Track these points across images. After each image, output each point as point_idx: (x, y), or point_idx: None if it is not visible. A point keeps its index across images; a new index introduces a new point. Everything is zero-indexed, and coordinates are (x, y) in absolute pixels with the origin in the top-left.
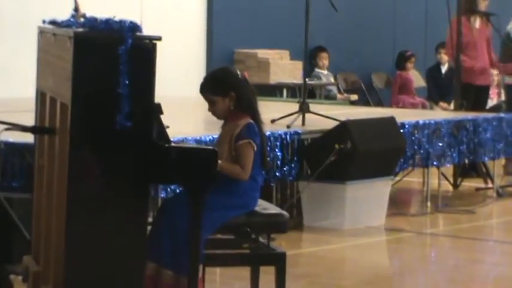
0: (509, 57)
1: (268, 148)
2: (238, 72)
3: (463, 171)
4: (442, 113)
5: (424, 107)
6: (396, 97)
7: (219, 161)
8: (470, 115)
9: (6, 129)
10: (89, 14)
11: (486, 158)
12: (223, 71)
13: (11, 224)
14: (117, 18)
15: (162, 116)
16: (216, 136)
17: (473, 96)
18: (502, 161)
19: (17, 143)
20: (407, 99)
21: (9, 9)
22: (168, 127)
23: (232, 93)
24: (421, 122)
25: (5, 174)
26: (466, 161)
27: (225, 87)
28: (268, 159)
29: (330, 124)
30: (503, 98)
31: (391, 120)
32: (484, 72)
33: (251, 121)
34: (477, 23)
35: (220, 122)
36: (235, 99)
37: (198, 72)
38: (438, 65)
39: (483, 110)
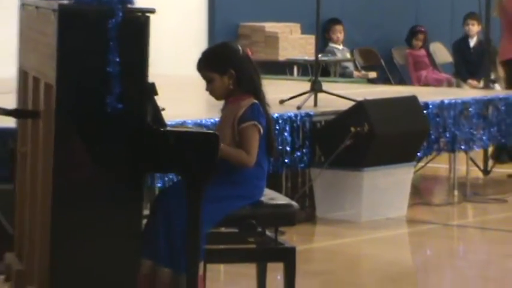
0: None
1: (277, 132)
2: (240, 48)
3: (495, 155)
4: (471, 92)
5: (450, 84)
6: (414, 74)
7: (222, 145)
8: (501, 93)
9: None
10: None
11: None
12: (221, 46)
13: None
14: None
15: (157, 97)
16: (217, 119)
17: None
18: None
19: None
20: (431, 75)
21: None
22: (163, 109)
23: (232, 71)
24: (446, 101)
25: None
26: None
27: (224, 63)
28: (276, 144)
29: (346, 105)
30: None
31: (413, 99)
32: None
33: (255, 101)
34: None
35: (220, 104)
36: (235, 77)
37: (198, 49)
38: (466, 38)
39: None
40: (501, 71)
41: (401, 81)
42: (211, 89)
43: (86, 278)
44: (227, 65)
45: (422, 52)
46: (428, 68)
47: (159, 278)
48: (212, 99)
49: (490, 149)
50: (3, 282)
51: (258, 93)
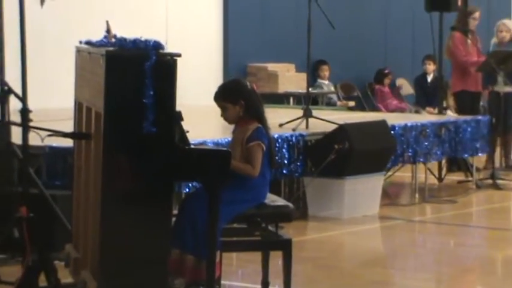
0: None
1: (277, 149)
2: (248, 83)
3: (448, 166)
4: (428, 116)
5: (403, 110)
6: (381, 104)
7: (232, 161)
8: (452, 118)
9: (50, 135)
10: (119, 35)
11: (466, 155)
12: (234, 82)
13: (55, 217)
14: (143, 38)
15: (182, 122)
16: (230, 139)
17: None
18: (483, 157)
19: (59, 147)
20: (395, 104)
21: (51, 31)
22: (188, 132)
23: (242, 101)
24: (409, 124)
25: (49, 174)
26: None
27: (236, 95)
28: (276, 158)
29: (330, 127)
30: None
31: (383, 123)
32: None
33: (259, 125)
34: (469, 41)
35: (232, 127)
36: (245, 106)
37: (215, 84)
38: (424, 75)
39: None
40: (451, 100)
41: (374, 108)
42: (225, 115)
43: (128, 263)
44: (239, 96)
45: (387, 89)
46: (392, 99)
47: (184, 263)
48: (225, 123)
49: (443, 162)
50: (63, 267)
51: (262, 119)
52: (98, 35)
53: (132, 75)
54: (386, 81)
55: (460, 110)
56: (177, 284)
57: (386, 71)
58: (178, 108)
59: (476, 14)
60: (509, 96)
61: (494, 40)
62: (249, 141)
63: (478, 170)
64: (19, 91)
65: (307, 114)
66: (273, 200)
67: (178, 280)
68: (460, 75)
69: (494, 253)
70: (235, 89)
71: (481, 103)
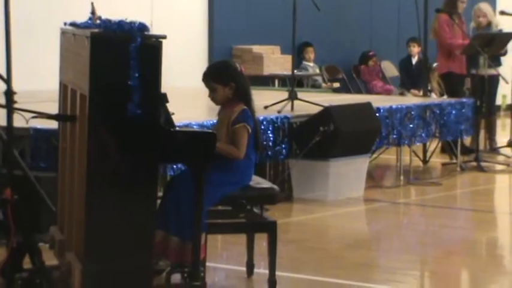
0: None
1: (262, 131)
2: (238, 66)
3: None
4: (413, 99)
5: (389, 92)
6: (369, 84)
7: (218, 143)
8: (436, 100)
9: (34, 117)
10: (104, 17)
11: (450, 138)
12: (225, 63)
13: (39, 199)
14: (128, 20)
15: (167, 104)
16: (216, 121)
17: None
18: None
19: (43, 129)
20: (381, 86)
21: (35, 13)
22: (173, 114)
23: (232, 83)
24: (394, 106)
25: (34, 156)
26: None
27: (227, 77)
28: (262, 141)
29: (315, 109)
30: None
31: (368, 105)
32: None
33: (245, 107)
34: (456, 23)
35: (217, 108)
36: (234, 88)
37: (200, 66)
38: (409, 57)
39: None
40: (435, 83)
41: (359, 91)
42: (213, 96)
43: (113, 244)
44: (229, 78)
45: (374, 69)
46: (377, 80)
47: (169, 244)
48: (212, 104)
49: (428, 144)
50: (48, 249)
51: (249, 102)
52: (82, 17)
53: (117, 57)
54: (371, 63)
55: (446, 92)
56: (161, 265)
57: (371, 54)
58: (163, 90)
59: None
60: (492, 78)
61: (472, 24)
62: (235, 123)
63: (466, 152)
64: (3, 73)
65: (293, 97)
66: (258, 182)
67: (163, 261)
68: (447, 56)
69: (478, 235)
70: (226, 70)
71: (465, 86)
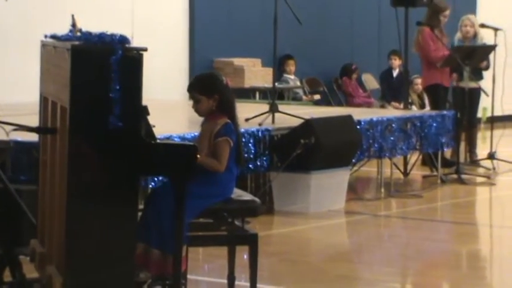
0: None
1: (243, 143)
2: (223, 79)
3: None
4: (393, 111)
5: (370, 105)
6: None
7: (199, 155)
8: (417, 113)
9: (15, 129)
10: (84, 29)
11: (431, 150)
12: (211, 75)
13: (20, 212)
14: (109, 32)
15: (148, 117)
16: (197, 133)
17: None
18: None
19: (24, 142)
20: (362, 99)
21: (16, 26)
22: (154, 126)
23: (216, 96)
24: (374, 119)
25: (14, 169)
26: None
27: (212, 89)
28: (244, 154)
29: (297, 122)
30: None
31: (349, 118)
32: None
33: (229, 121)
34: (437, 34)
35: (200, 120)
36: (218, 101)
37: (181, 79)
38: (390, 70)
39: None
40: (414, 96)
41: (340, 103)
42: (197, 107)
43: (94, 257)
44: (214, 90)
45: (354, 83)
46: (358, 93)
47: (150, 257)
48: (193, 117)
49: (409, 156)
50: (29, 262)
51: (233, 115)
52: (63, 30)
53: (98, 69)
54: (354, 76)
55: (431, 104)
56: (142, 277)
57: (353, 67)
58: (144, 102)
59: (447, 12)
60: (473, 91)
61: (458, 35)
62: (217, 136)
63: (446, 164)
64: None
65: (273, 109)
66: (240, 194)
67: (144, 274)
68: (433, 69)
69: (459, 247)
70: (211, 82)
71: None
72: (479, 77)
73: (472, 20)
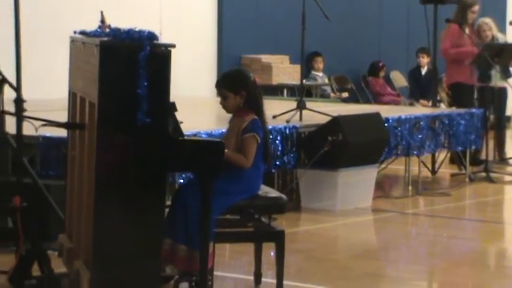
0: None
1: (270, 140)
2: (251, 75)
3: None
4: (422, 109)
5: (397, 103)
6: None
7: (226, 151)
8: (446, 110)
9: (44, 125)
10: (113, 25)
11: (460, 148)
12: (238, 72)
13: (48, 207)
14: (137, 29)
15: (176, 113)
16: (224, 130)
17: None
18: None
19: (53, 137)
20: (390, 97)
21: (45, 22)
22: (182, 122)
23: (243, 92)
24: (403, 116)
25: (43, 164)
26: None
27: (239, 86)
28: (271, 151)
29: (324, 119)
30: None
31: (377, 115)
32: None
33: (256, 117)
34: (466, 30)
35: (228, 117)
36: (246, 97)
37: (209, 75)
38: (418, 68)
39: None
40: (443, 94)
41: (368, 101)
42: (224, 104)
43: (121, 253)
44: (241, 87)
45: (381, 81)
46: (386, 91)
47: (177, 253)
48: (221, 113)
49: (437, 154)
50: (57, 257)
51: (260, 111)
52: (92, 26)
53: (126, 65)
54: (381, 73)
55: (454, 102)
56: (169, 273)
57: (380, 64)
58: (172, 99)
59: (476, 8)
60: (502, 90)
61: (475, 38)
62: (245, 132)
63: (475, 162)
64: (14, 81)
65: (301, 106)
66: (266, 191)
67: (170, 269)
68: (455, 67)
69: (486, 246)
70: (238, 79)
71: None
72: (508, 74)
73: (489, 25)
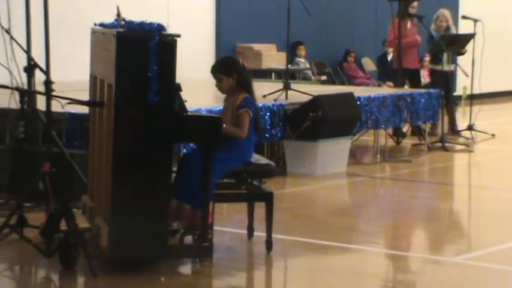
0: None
1: (261, 115)
2: (240, 60)
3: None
4: (388, 90)
5: (368, 84)
6: (352, 78)
7: (224, 126)
8: (408, 91)
9: (69, 103)
10: (127, 18)
11: (420, 122)
12: (229, 58)
13: (73, 172)
14: (148, 21)
15: (181, 93)
16: (222, 107)
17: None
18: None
19: (77, 114)
20: (359, 79)
21: (68, 15)
22: (186, 101)
23: (235, 75)
24: (372, 95)
25: (69, 136)
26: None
27: (230, 69)
28: (261, 124)
29: (306, 98)
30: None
31: (351, 95)
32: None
33: (248, 95)
34: (408, 24)
35: (224, 96)
36: (237, 79)
37: (209, 60)
38: (385, 55)
39: (418, 86)
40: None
41: (343, 82)
42: (219, 86)
43: (135, 211)
44: (232, 70)
45: (354, 65)
46: (358, 74)
47: (182, 211)
48: (218, 93)
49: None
50: (81, 214)
51: (250, 91)
52: (109, 19)
53: (139, 52)
54: (351, 59)
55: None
56: (175, 227)
57: (352, 51)
58: (177, 80)
59: (415, 3)
60: (450, 73)
61: (433, 26)
62: (239, 109)
63: (429, 134)
64: (43, 66)
65: (287, 87)
66: (258, 159)
67: (177, 224)
68: (403, 55)
69: (442, 204)
70: (229, 63)
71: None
72: (454, 60)
73: (446, 16)
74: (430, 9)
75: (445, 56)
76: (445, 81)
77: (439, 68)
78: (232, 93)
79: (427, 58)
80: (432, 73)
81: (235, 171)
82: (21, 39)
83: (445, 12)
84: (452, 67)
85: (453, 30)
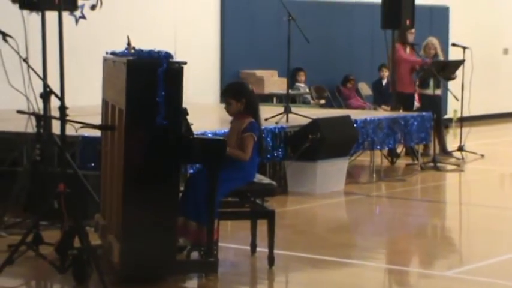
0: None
1: (263, 138)
2: (250, 86)
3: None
4: (383, 113)
5: (364, 108)
6: (348, 101)
7: (229, 148)
8: (402, 114)
9: (82, 127)
10: (137, 47)
11: (413, 143)
12: (241, 84)
13: (86, 192)
14: (156, 49)
15: (188, 117)
16: (226, 130)
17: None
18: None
19: (89, 137)
20: (357, 103)
21: (83, 43)
22: (192, 124)
23: (244, 100)
24: (368, 118)
25: (82, 158)
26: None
27: (240, 94)
28: (264, 147)
29: (306, 121)
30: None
31: (348, 117)
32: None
33: (253, 120)
34: (408, 49)
35: (229, 119)
36: (245, 104)
37: (214, 86)
38: (380, 79)
39: (411, 110)
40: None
41: (340, 106)
42: (228, 109)
43: (144, 228)
44: (242, 95)
45: (351, 90)
46: (355, 98)
47: (189, 228)
48: (223, 117)
49: (399, 149)
50: (93, 232)
51: (256, 115)
52: (120, 47)
53: (147, 79)
54: (349, 85)
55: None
56: (181, 242)
57: (351, 77)
58: (184, 105)
59: (412, 30)
60: (437, 97)
61: (421, 53)
62: (244, 132)
63: (422, 155)
64: (58, 92)
65: (287, 111)
66: (260, 179)
67: (183, 240)
68: (399, 80)
69: (434, 221)
70: (240, 89)
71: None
72: (440, 85)
73: (435, 44)
74: (423, 37)
75: (431, 81)
76: (433, 105)
77: (427, 92)
78: (239, 116)
79: (417, 83)
80: (420, 97)
81: (239, 190)
82: (38, 68)
83: (434, 41)
84: (439, 91)
85: (440, 57)
